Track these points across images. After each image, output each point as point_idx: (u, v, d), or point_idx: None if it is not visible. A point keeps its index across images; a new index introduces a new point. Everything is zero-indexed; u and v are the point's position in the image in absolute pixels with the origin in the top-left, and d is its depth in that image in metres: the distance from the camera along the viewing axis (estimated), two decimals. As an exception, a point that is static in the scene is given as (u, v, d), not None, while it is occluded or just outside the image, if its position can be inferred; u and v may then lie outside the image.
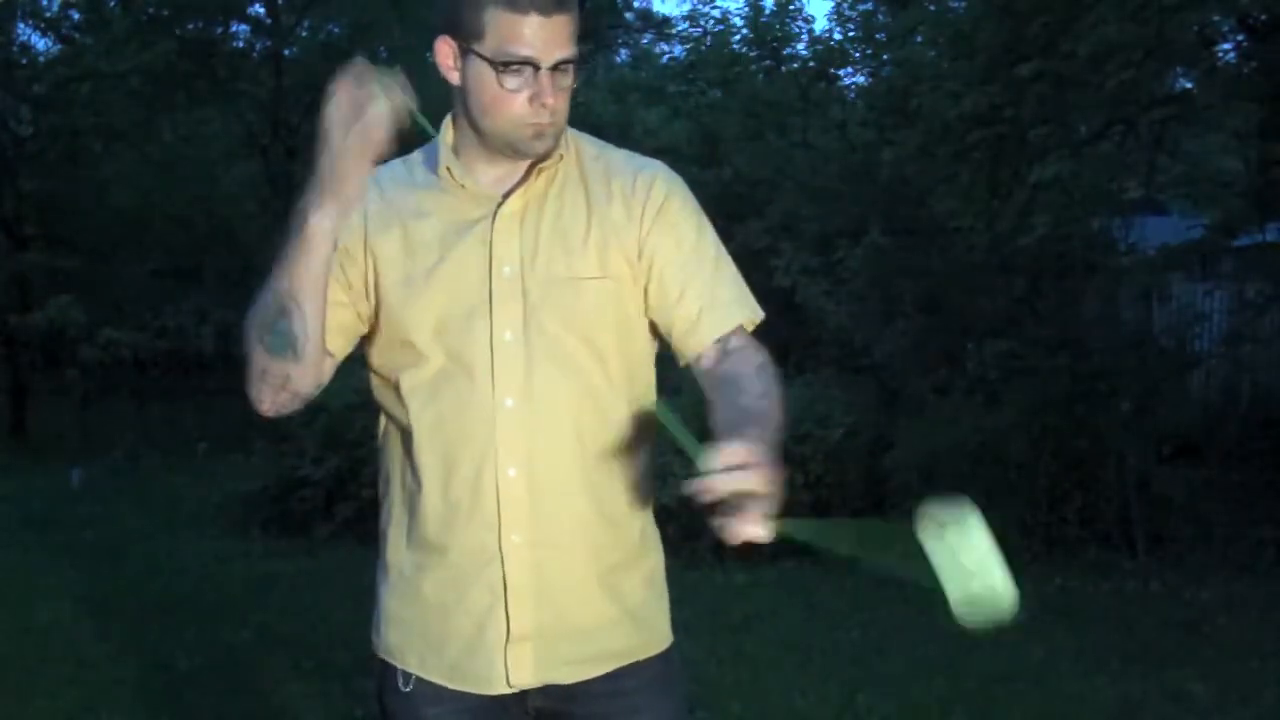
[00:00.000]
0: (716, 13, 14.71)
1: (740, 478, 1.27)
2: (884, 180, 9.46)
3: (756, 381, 1.62)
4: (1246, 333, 8.18)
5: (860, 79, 13.95)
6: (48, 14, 14.31)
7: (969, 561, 1.13)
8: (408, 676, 1.75)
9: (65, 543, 7.46)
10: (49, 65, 13.92)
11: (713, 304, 1.70)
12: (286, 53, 14.63)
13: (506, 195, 1.69)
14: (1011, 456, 7.10)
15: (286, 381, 1.63)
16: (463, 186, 1.70)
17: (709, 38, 14.58)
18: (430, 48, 1.65)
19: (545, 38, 1.57)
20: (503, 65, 1.58)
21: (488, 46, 1.58)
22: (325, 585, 6.29)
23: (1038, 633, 5.37)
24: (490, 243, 1.68)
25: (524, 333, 1.67)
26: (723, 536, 1.29)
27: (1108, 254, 7.79)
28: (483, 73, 1.60)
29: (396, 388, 1.72)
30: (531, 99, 1.60)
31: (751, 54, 14.39)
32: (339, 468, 7.44)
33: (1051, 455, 7.12)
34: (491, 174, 1.71)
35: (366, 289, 1.72)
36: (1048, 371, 7.26)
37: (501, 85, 1.59)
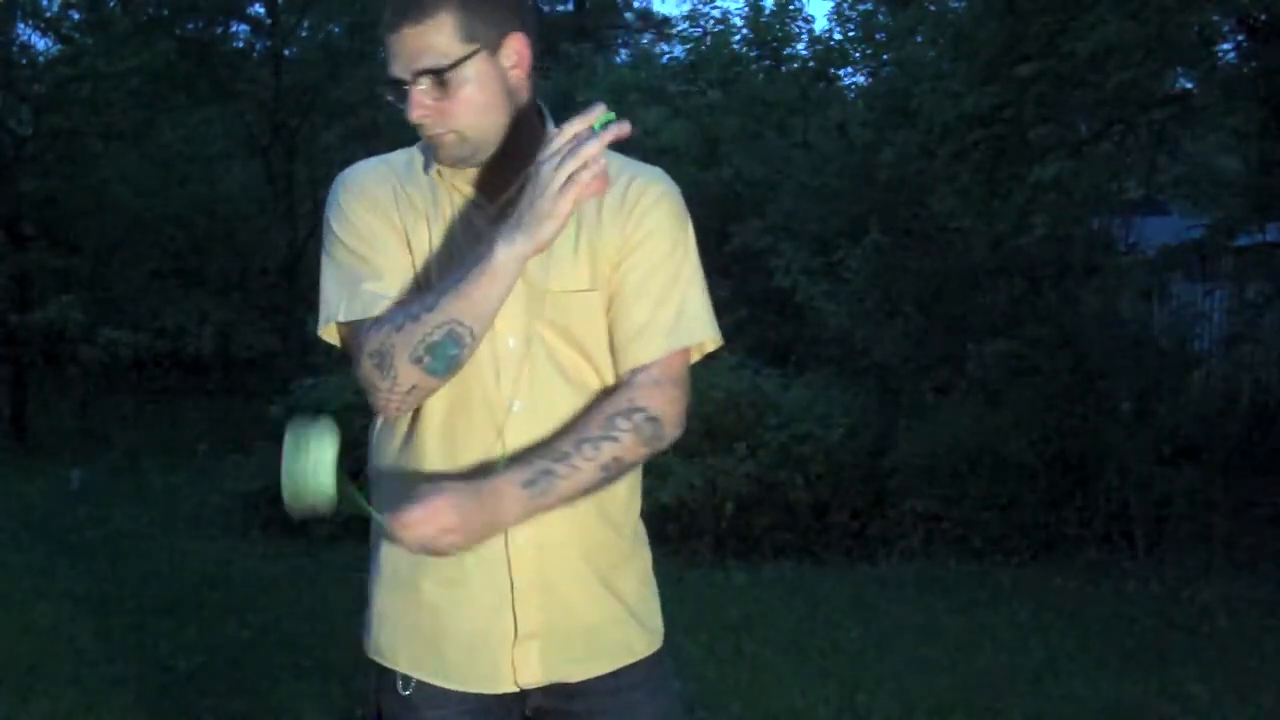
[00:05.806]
0: (716, 13, 14.68)
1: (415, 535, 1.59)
2: (884, 180, 9.46)
3: (593, 427, 1.66)
4: (1246, 333, 8.17)
5: (860, 79, 13.95)
6: (48, 14, 14.29)
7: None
8: (408, 680, 1.76)
9: (65, 543, 7.45)
10: (49, 65, 13.89)
11: (644, 331, 1.70)
12: (286, 53, 14.63)
13: (504, 206, 1.70)
14: (1011, 457, 7.10)
15: (430, 393, 1.66)
16: (459, 191, 1.73)
17: (709, 38, 14.56)
18: None
19: (401, 53, 1.63)
20: (384, 85, 1.66)
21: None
22: (325, 585, 6.29)
23: (1038, 633, 5.37)
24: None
25: (525, 340, 1.70)
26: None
27: (1108, 254, 7.80)
28: None
29: None
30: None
31: (751, 54, 14.38)
32: (339, 468, 7.44)
33: (1051, 455, 7.12)
34: (485, 179, 1.72)
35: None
36: (1048, 372, 7.26)
37: (394, 105, 1.66)
